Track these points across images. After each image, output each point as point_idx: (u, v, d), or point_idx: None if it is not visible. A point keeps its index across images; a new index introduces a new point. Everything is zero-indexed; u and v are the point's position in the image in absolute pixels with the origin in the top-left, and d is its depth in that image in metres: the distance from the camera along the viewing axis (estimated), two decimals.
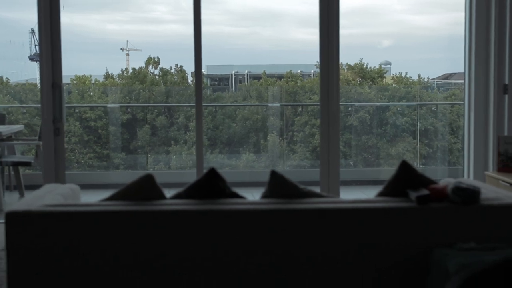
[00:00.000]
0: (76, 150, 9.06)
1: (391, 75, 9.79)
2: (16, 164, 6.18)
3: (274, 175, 3.04)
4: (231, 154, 9.15)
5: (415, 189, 2.90)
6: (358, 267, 2.83)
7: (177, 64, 9.72)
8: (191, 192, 3.03)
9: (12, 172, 6.27)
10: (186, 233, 2.83)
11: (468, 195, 2.78)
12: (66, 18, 9.32)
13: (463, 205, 2.80)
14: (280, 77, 9.99)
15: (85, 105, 9.24)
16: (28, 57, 9.92)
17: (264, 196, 3.03)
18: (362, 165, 8.76)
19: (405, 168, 2.99)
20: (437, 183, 2.99)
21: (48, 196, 3.09)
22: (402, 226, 2.83)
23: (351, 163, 8.89)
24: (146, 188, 3.00)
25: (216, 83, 10.95)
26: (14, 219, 2.79)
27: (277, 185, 3.02)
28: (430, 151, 8.91)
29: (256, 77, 10.39)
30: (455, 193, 2.79)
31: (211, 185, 3.00)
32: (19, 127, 6.71)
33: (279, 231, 2.83)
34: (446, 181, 3.11)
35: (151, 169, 8.80)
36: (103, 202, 2.97)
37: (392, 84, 9.53)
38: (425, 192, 2.83)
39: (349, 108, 8.93)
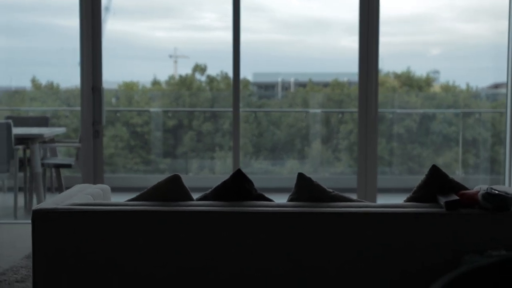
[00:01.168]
0: (123, 155, 9.19)
1: (439, 83, 9.63)
2: (57, 166, 6.30)
3: (301, 177, 3.01)
4: (275, 161, 9.14)
5: (445, 194, 2.83)
6: (385, 271, 2.77)
7: (222, 71, 9.77)
8: (217, 193, 3.02)
9: (54, 174, 6.40)
10: (212, 234, 2.83)
11: (499, 201, 2.70)
12: (116, 25, 9.50)
13: (493, 211, 2.72)
14: (326, 84, 9.94)
15: (127, 109, 9.36)
16: (79, 63, 10.12)
17: (291, 199, 3.01)
18: (407, 174, 8.63)
19: (435, 173, 2.92)
20: (468, 189, 2.91)
21: (78, 196, 3.13)
22: (430, 231, 2.76)
23: (396, 171, 8.77)
24: (173, 189, 3.01)
25: (262, 90, 10.96)
26: (41, 216, 2.83)
27: (304, 188, 2.99)
28: (477, 160, 8.72)
29: (302, 85, 10.37)
30: (486, 199, 2.71)
31: (238, 186, 2.99)
32: (60, 129, 6.84)
33: (305, 233, 2.80)
34: (478, 187, 3.03)
35: (191, 174, 8.85)
36: (129, 202, 2.99)
37: (439, 93, 9.37)
38: (454, 197, 2.76)
39: (390, 116, 8.81)
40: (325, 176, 8.74)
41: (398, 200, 3.02)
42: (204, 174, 8.97)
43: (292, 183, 3.06)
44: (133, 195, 3.07)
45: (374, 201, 5.02)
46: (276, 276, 2.81)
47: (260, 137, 9.25)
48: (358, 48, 5.03)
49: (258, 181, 3.18)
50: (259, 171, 8.99)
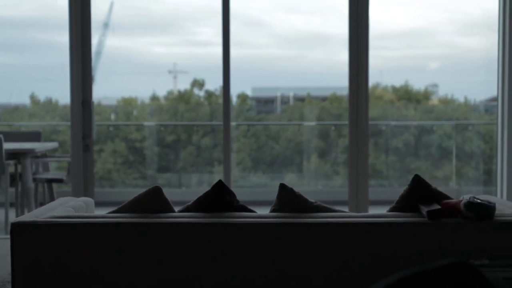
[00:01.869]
0: (121, 170, 9.18)
1: (438, 97, 9.61)
2: (49, 181, 6.29)
3: (283, 188, 2.98)
4: (274, 174, 9.11)
5: (428, 204, 2.80)
6: (369, 281, 2.74)
7: (221, 86, 9.78)
8: (199, 205, 3.00)
9: (46, 189, 6.39)
10: (193, 245, 2.80)
11: (482, 210, 2.66)
12: (115, 41, 9.52)
13: (476, 221, 2.68)
14: (324, 99, 9.93)
15: (124, 123, 9.37)
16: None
17: (273, 209, 2.98)
18: (405, 187, 8.60)
19: (418, 183, 2.90)
20: (451, 198, 2.88)
21: (59, 208, 3.11)
22: (413, 241, 2.73)
23: (395, 184, 8.73)
24: (154, 200, 2.99)
25: (261, 104, 10.96)
26: (20, 229, 2.81)
27: (286, 198, 2.96)
28: (474, 173, 8.67)
29: (301, 99, 10.36)
30: (468, 208, 2.68)
31: (219, 198, 2.97)
32: (53, 144, 6.84)
33: (287, 244, 2.77)
34: (462, 197, 2.99)
35: (185, 188, 8.83)
36: (110, 214, 2.97)
37: (437, 106, 9.35)
38: (436, 206, 2.72)
39: (384, 127, 8.78)
40: (323, 189, 8.71)
41: (382, 212, 2.99)
42: (203, 188, 8.96)
43: None
44: (109, 208, 3.05)
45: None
46: (258, 286, 2.78)
47: (258, 151, 9.23)
48: (348, 62, 5.03)
49: (256, 195, 3.17)
50: (257, 184, 8.97)
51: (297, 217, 2.83)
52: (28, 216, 2.90)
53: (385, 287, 1.21)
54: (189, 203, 3.05)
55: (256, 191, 8.63)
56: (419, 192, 2.87)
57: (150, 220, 2.85)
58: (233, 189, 3.05)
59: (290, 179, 8.94)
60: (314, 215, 2.86)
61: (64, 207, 3.15)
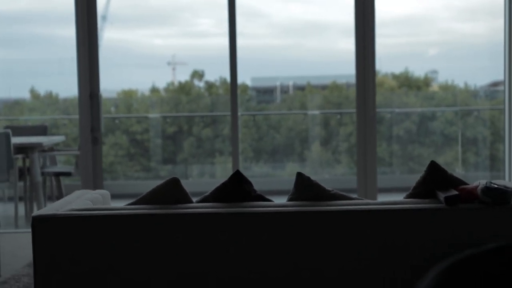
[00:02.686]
0: (123, 163, 9.19)
1: (438, 83, 9.63)
2: (57, 175, 6.30)
3: (300, 177, 3.00)
4: (275, 164, 9.14)
5: (445, 190, 2.83)
6: (387, 268, 2.76)
7: (221, 77, 9.78)
8: (217, 195, 3.02)
9: (54, 183, 6.40)
10: (212, 236, 2.82)
11: (499, 195, 2.69)
12: (113, 34, 9.51)
13: (493, 206, 2.71)
14: (324, 87, 9.95)
15: (127, 115, 9.38)
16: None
17: (290, 198, 3.00)
18: (407, 174, 8.63)
19: (434, 169, 2.92)
20: (468, 184, 2.90)
21: (77, 201, 3.13)
22: (431, 227, 2.75)
23: (397, 171, 8.77)
24: (172, 192, 3.00)
25: (261, 94, 10.96)
26: (41, 222, 2.83)
27: (304, 187, 2.98)
28: (477, 158, 8.72)
29: (301, 88, 10.38)
30: (485, 194, 2.71)
31: (237, 187, 2.99)
32: (60, 138, 6.85)
33: (305, 232, 2.79)
34: (477, 182, 3.02)
35: (191, 179, 8.85)
36: (129, 206, 2.99)
37: (438, 92, 9.38)
38: (454, 192, 2.75)
39: (389, 115, 8.81)
40: (325, 177, 8.74)
41: (394, 199, 3.01)
42: (204, 179, 8.98)
43: (292, 185, 3.06)
44: (125, 200, 3.07)
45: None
46: (278, 276, 2.80)
47: (259, 141, 9.25)
48: (355, 49, 5.04)
49: (258, 184, 3.18)
50: (259, 174, 9.00)
51: (316, 205, 2.86)
52: (48, 209, 2.92)
53: (438, 272, 1.24)
54: (207, 194, 3.06)
55: (258, 181, 8.66)
56: (435, 178, 2.89)
57: (169, 211, 2.86)
58: None
59: (292, 169, 8.98)
60: (332, 203, 2.88)
61: (82, 199, 3.16)
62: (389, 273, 2.76)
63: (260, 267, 2.80)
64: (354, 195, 5.00)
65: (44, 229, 2.82)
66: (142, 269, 2.82)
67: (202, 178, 9.05)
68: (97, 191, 3.43)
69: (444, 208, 2.75)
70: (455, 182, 2.86)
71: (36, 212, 2.90)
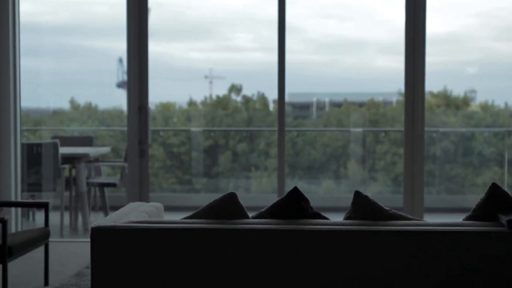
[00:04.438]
0: (159, 175, 9.24)
1: (477, 103, 9.55)
2: (102, 185, 6.35)
3: (358, 195, 2.99)
4: (311, 180, 9.12)
5: (507, 212, 2.80)
6: None
7: (258, 91, 9.81)
8: (273, 211, 3.02)
9: (98, 193, 6.46)
10: (268, 252, 2.82)
11: None
12: (151, 47, 9.60)
13: None
14: (361, 104, 9.92)
15: (168, 128, 9.44)
16: (116, 84, 10.24)
17: (348, 217, 2.99)
18: (445, 193, 8.56)
19: (495, 191, 2.89)
20: None
21: (134, 213, 3.15)
22: (492, 250, 2.72)
23: (435, 191, 8.69)
24: (229, 206, 3.01)
25: (297, 110, 10.97)
26: (100, 234, 2.85)
27: (361, 206, 2.97)
28: None
29: (337, 105, 10.36)
30: None
31: (294, 204, 2.99)
32: (105, 149, 6.91)
33: (363, 252, 2.78)
34: None
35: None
36: (186, 219, 3.00)
37: (477, 112, 9.29)
38: None
39: (434, 135, 8.75)
40: (370, 196, 8.69)
41: (445, 219, 2.98)
42: (239, 193, 9.00)
43: (328, 202, 3.05)
44: (175, 213, 3.08)
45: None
46: None
47: (295, 157, 9.24)
48: (404, 68, 5.03)
49: None
50: None
51: (374, 225, 2.84)
52: (106, 221, 2.94)
53: None
54: (263, 210, 3.07)
55: None
56: (497, 201, 2.86)
57: (226, 226, 2.87)
58: (272, 195, 3.06)
59: (328, 185, 8.94)
60: (391, 222, 2.86)
61: (138, 212, 3.19)
62: None
63: (317, 285, 2.79)
64: None
65: (103, 240, 2.85)
66: (198, 283, 2.83)
67: (237, 193, 9.06)
68: (151, 204, 3.45)
69: (506, 231, 2.72)
70: None
71: (95, 223, 2.93)
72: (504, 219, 2.73)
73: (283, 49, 5.04)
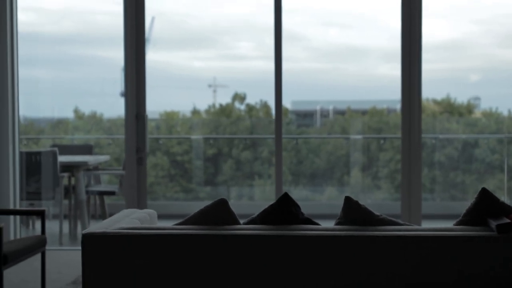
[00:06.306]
0: (163, 184, 9.26)
1: (480, 110, 9.52)
2: (101, 194, 6.38)
3: (348, 201, 3.00)
4: (315, 188, 9.11)
5: (496, 218, 2.79)
6: None
7: (261, 100, 9.83)
8: (264, 217, 3.02)
9: (98, 201, 6.48)
10: (259, 258, 2.82)
11: None
12: (155, 56, 9.63)
13: None
14: (364, 112, 9.91)
15: (168, 136, 9.46)
16: (119, 93, 10.28)
17: (338, 222, 2.99)
18: (449, 201, 8.53)
19: (485, 196, 2.89)
20: None
21: (125, 220, 3.16)
22: (482, 255, 2.72)
23: (437, 198, 8.67)
24: (220, 213, 3.02)
25: (301, 118, 10.97)
26: (91, 241, 2.86)
27: (352, 211, 2.97)
28: None
29: (341, 112, 10.36)
30: None
31: (285, 210, 2.99)
32: (105, 157, 6.93)
33: (353, 256, 2.78)
34: None
35: (232, 200, 8.87)
36: (177, 225, 3.01)
37: (481, 119, 9.26)
38: (505, 220, 2.71)
39: (433, 141, 8.73)
40: (367, 202, 8.68)
41: (445, 225, 2.98)
42: (243, 201, 9.00)
43: (331, 210, 3.06)
44: (176, 221, 3.09)
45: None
46: None
47: (299, 164, 9.24)
48: (401, 75, 5.03)
49: None
50: (298, 198, 8.97)
51: (364, 230, 2.84)
52: (98, 227, 2.96)
53: None
54: (254, 216, 3.07)
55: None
56: (486, 206, 2.86)
57: (217, 232, 2.88)
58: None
59: (331, 193, 8.93)
60: (381, 228, 2.86)
61: (130, 218, 3.20)
62: None
63: None
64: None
65: (94, 247, 2.86)
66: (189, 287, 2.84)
67: (241, 201, 9.07)
68: (145, 210, 3.46)
69: (496, 236, 2.71)
70: (507, 210, 2.82)
71: (86, 229, 2.94)
72: (493, 223, 2.73)
73: (279, 56, 5.06)
